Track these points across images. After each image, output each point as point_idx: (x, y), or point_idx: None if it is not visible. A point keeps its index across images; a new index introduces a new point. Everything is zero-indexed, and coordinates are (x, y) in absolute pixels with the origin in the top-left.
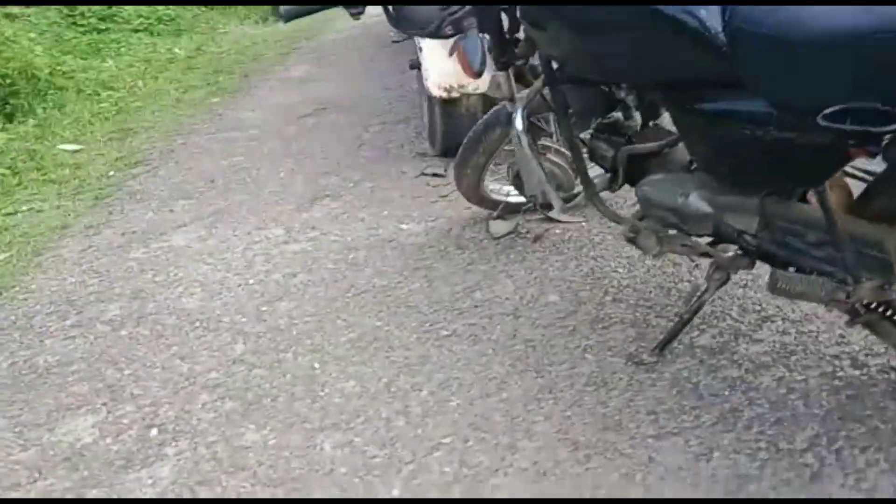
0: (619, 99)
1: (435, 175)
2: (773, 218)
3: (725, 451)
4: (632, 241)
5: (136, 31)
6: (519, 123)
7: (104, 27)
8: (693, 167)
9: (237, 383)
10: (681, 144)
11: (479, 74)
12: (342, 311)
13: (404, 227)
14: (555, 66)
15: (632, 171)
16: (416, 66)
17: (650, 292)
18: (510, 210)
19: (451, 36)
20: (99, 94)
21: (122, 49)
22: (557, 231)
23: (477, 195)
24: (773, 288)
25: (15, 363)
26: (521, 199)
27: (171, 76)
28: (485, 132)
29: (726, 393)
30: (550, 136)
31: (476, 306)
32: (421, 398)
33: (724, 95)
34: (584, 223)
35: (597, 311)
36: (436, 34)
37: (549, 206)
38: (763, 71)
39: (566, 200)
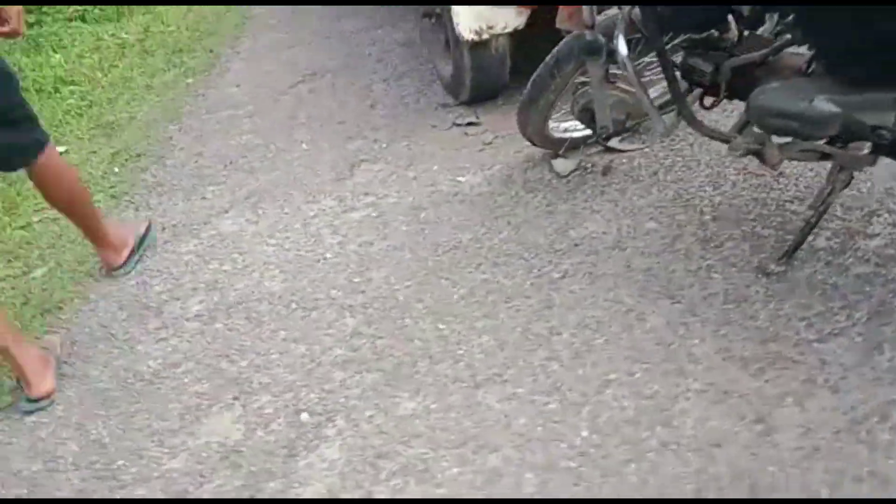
0: (725, 11)
1: (470, 124)
2: None
3: (893, 341)
4: (748, 154)
5: (71, 20)
6: (623, 48)
7: (34, 20)
8: (810, 70)
9: (367, 356)
10: (787, 51)
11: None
12: (440, 270)
13: (462, 179)
14: None
15: (736, 84)
16: (430, 14)
17: (747, 206)
18: (572, 146)
19: None
20: (59, 91)
21: (65, 41)
22: (624, 161)
23: (542, 135)
24: None
25: (116, 374)
26: (585, 133)
27: (130, 63)
28: (557, 67)
29: (867, 288)
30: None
31: (576, 245)
32: (565, 341)
33: None
34: (647, 149)
35: (702, 231)
36: None
37: (618, 134)
38: None
39: (631, 129)
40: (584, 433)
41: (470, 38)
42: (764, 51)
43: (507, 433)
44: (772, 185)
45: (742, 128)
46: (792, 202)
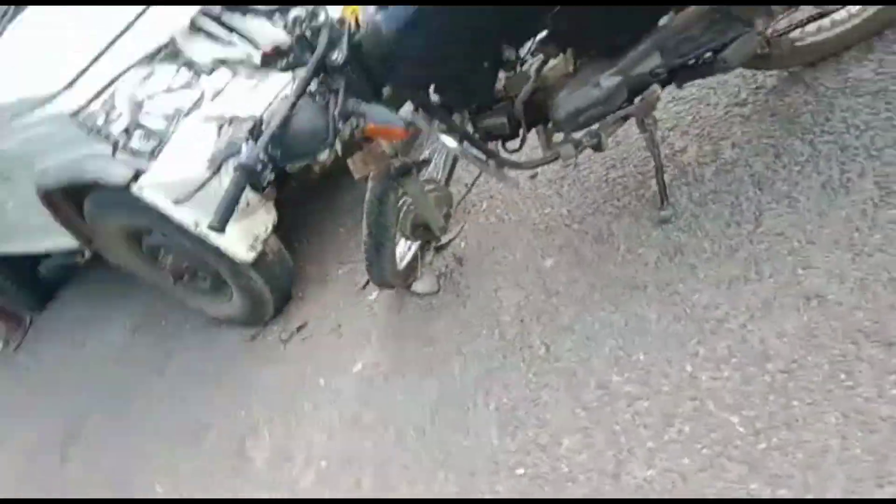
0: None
1: (299, 328)
2: (666, 41)
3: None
4: (577, 154)
5: None
6: (452, 143)
7: None
8: (577, 68)
9: None
10: (547, 68)
11: (407, 131)
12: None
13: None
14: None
15: (531, 116)
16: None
17: (598, 193)
18: (414, 266)
19: None
20: None
21: None
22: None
23: (396, 274)
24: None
25: None
26: (418, 245)
27: None
28: (382, 211)
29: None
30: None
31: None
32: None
33: None
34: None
35: (589, 232)
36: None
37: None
38: None
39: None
40: None
41: (251, 256)
42: (532, 79)
43: None
44: (599, 167)
45: (551, 142)
46: (622, 166)
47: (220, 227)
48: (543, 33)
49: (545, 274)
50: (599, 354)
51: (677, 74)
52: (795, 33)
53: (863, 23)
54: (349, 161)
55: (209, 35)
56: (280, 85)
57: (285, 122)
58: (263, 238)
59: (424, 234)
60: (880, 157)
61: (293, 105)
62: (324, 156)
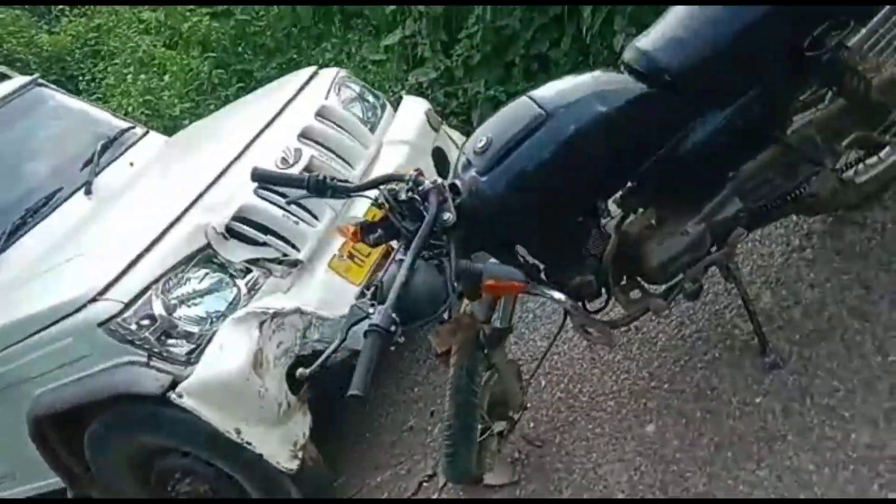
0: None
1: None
2: (743, 186)
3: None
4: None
5: None
6: (561, 296)
7: None
8: (656, 222)
9: None
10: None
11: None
12: None
13: None
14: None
15: (621, 270)
16: None
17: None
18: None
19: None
20: None
21: None
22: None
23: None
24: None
25: None
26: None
27: None
28: (473, 380)
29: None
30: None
31: None
32: None
33: None
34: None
35: (699, 384)
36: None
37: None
38: None
39: None
40: None
41: (294, 465)
42: (614, 234)
43: None
44: (666, 327)
45: (629, 299)
46: (692, 322)
47: (363, 391)
48: (624, 188)
49: (651, 441)
50: None
51: (758, 217)
52: (850, 172)
53: None
54: (430, 336)
55: (243, 238)
56: (317, 281)
57: (406, 283)
58: (302, 444)
59: (502, 413)
60: None
61: (412, 266)
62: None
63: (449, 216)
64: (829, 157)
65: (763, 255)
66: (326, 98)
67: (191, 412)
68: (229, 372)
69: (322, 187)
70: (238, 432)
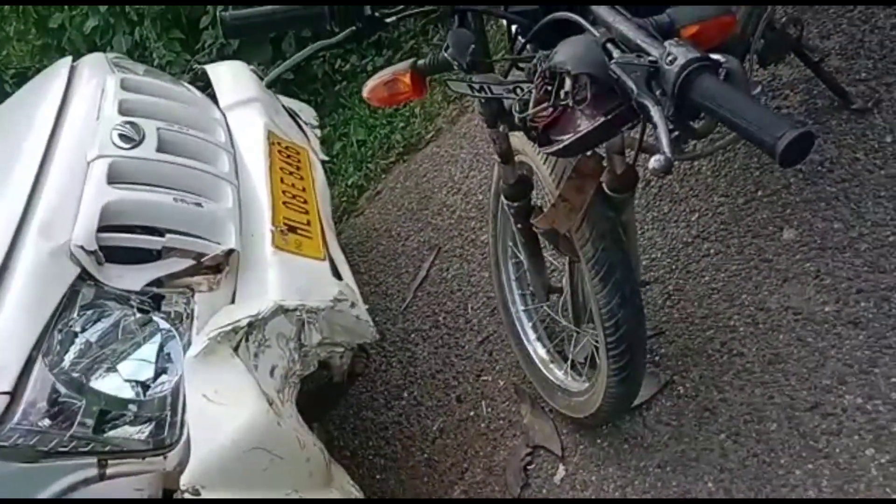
0: None
1: None
2: None
3: None
4: None
5: None
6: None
7: None
8: None
9: None
10: None
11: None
12: None
13: None
14: None
15: None
16: None
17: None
18: None
19: None
20: None
21: None
22: None
23: None
24: None
25: None
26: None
27: None
28: (626, 260)
29: None
30: None
31: None
32: None
33: None
34: None
35: None
36: None
37: None
38: None
39: None
40: None
41: None
42: None
43: None
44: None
45: None
46: None
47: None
48: None
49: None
50: None
51: None
52: None
53: None
54: (553, 207)
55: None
56: (270, 269)
57: None
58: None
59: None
60: None
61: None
62: None
63: None
64: None
65: None
66: (113, 73)
67: None
68: (250, 424)
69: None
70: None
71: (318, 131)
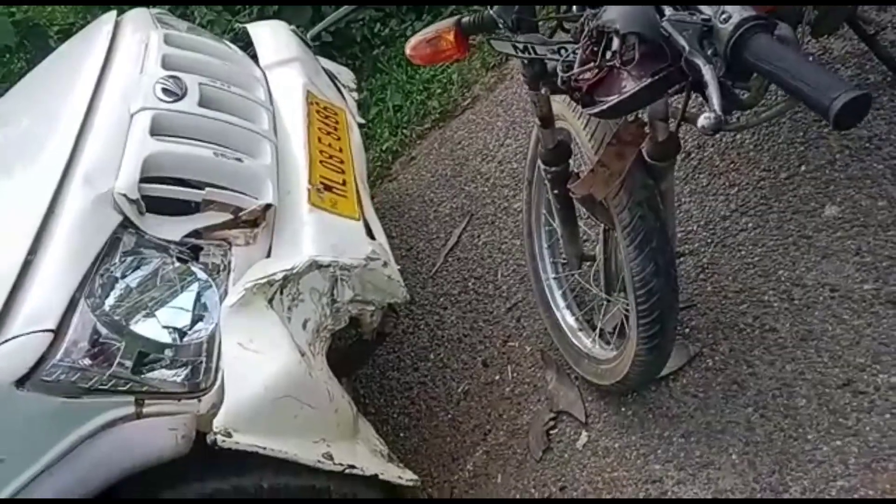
0: None
1: None
2: None
3: None
4: None
5: None
6: None
7: None
8: None
9: None
10: None
11: None
12: None
13: None
14: None
15: None
16: None
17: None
18: None
19: None
20: None
21: None
22: None
23: None
24: None
25: None
26: None
27: None
28: (663, 229)
29: None
30: None
31: None
32: None
33: None
34: None
35: None
36: None
37: None
38: None
39: None
40: None
41: (414, 477)
42: None
43: None
44: None
45: None
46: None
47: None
48: None
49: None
50: None
51: None
52: None
53: None
54: (592, 173)
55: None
56: (306, 226)
57: None
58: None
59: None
60: None
61: None
62: None
63: None
64: None
65: None
66: (156, 28)
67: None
68: (282, 373)
69: None
70: (330, 458)
71: (355, 94)
